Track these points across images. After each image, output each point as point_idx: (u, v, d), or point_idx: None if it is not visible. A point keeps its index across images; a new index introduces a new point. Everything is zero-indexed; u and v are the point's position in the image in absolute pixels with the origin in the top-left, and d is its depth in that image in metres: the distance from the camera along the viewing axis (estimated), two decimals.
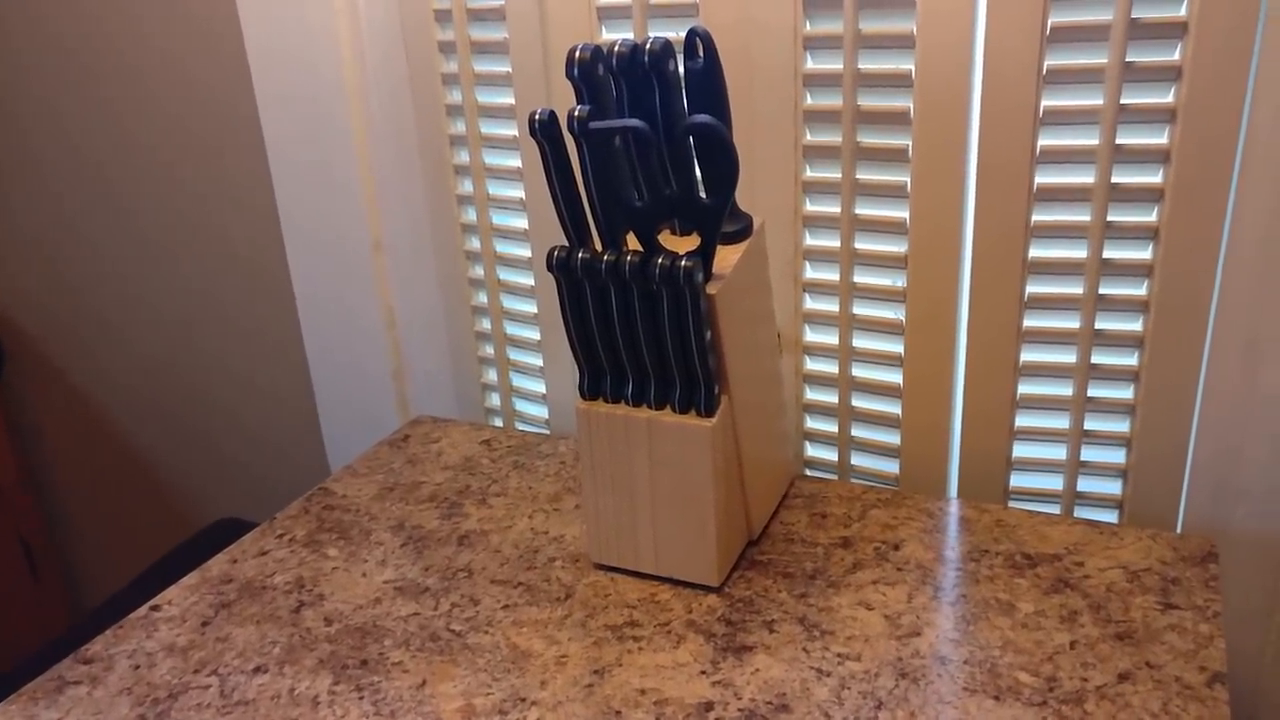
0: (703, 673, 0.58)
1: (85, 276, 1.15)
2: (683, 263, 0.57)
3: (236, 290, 1.07)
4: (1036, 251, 0.69)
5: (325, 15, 0.85)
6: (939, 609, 0.62)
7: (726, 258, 0.62)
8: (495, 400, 0.96)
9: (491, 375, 0.95)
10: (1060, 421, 0.73)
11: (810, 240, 0.76)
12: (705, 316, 0.59)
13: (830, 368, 0.79)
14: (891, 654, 0.59)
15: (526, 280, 0.89)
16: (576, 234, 0.61)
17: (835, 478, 0.81)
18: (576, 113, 0.56)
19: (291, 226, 0.97)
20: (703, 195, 0.59)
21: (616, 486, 0.65)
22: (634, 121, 0.56)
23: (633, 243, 0.61)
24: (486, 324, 0.93)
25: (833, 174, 0.73)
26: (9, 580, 1.26)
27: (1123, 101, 0.63)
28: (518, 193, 0.86)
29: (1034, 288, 0.70)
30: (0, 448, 1.24)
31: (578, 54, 0.58)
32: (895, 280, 0.74)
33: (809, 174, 0.74)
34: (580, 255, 0.59)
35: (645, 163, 0.59)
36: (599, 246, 0.60)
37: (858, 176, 0.72)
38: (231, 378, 1.11)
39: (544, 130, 0.57)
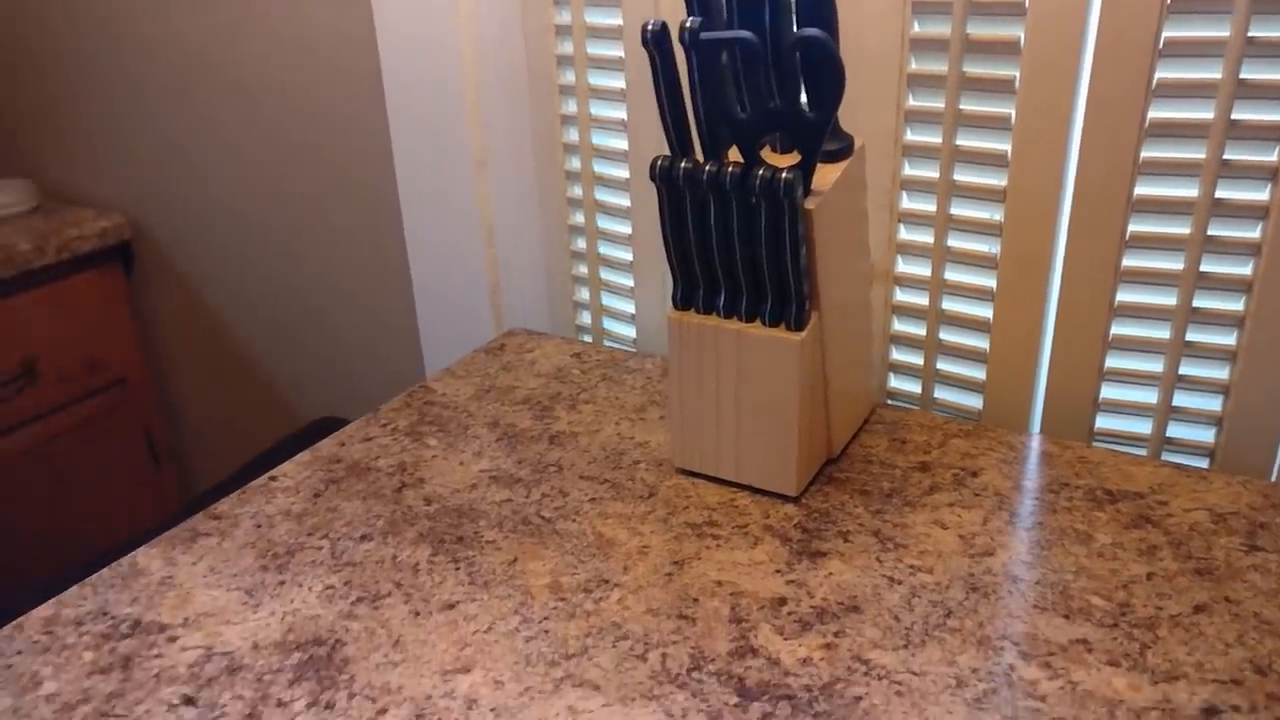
0: (777, 571, 0.61)
1: (208, 189, 1.22)
2: (783, 175, 0.59)
3: (347, 204, 1.12)
4: (1143, 189, 0.68)
5: None
6: (1014, 533, 0.63)
7: (825, 176, 0.64)
8: (585, 318, 0.99)
9: (584, 294, 0.98)
10: (1154, 365, 0.73)
11: (909, 170, 0.76)
12: (801, 231, 0.61)
13: (920, 300, 0.80)
14: (963, 570, 0.60)
15: (623, 202, 0.91)
16: (680, 146, 0.63)
17: (917, 409, 0.82)
18: (688, 24, 0.58)
19: (401, 143, 1.01)
20: (806, 110, 0.60)
21: (703, 395, 0.68)
22: (744, 33, 0.58)
23: (734, 157, 0.63)
24: (582, 244, 0.96)
25: (936, 103, 0.73)
26: (133, 464, 1.36)
27: (1250, 34, 0.62)
28: (620, 114, 0.88)
29: (1137, 226, 0.69)
30: (130, 344, 1.33)
31: None
32: (992, 214, 0.74)
33: (911, 103, 0.74)
34: (682, 165, 0.61)
35: (751, 75, 0.60)
36: (701, 158, 0.62)
37: (961, 107, 0.72)
38: (338, 286, 1.17)
39: (655, 41, 0.59)
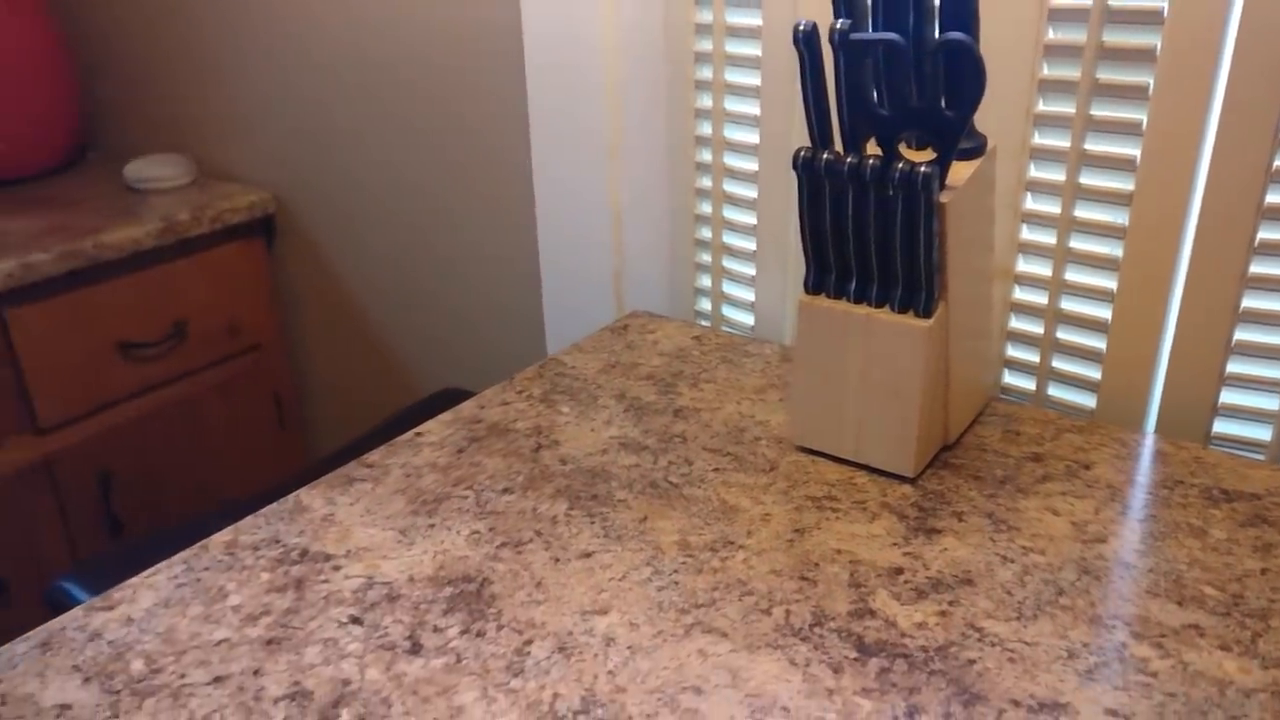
0: (894, 544, 0.64)
1: (349, 168, 1.30)
2: (921, 169, 0.62)
3: (481, 185, 1.18)
4: (1275, 197, 0.69)
5: None
6: (1126, 523, 0.66)
7: (959, 172, 0.67)
8: (705, 304, 1.04)
9: (704, 280, 1.03)
10: (1276, 371, 0.74)
11: (1035, 172, 0.79)
12: (935, 224, 0.64)
13: (1039, 298, 0.82)
14: (1075, 553, 0.63)
15: (750, 193, 0.95)
16: (821, 139, 0.66)
17: (1030, 405, 0.84)
18: (838, 25, 0.62)
19: (539, 129, 1.07)
20: (945, 110, 0.63)
21: (827, 377, 0.71)
22: (891, 35, 0.61)
23: (871, 150, 0.66)
24: (706, 232, 1.00)
25: (1066, 108, 0.75)
26: (261, 426, 1.46)
27: None
28: (753, 109, 0.92)
29: (1266, 234, 0.71)
30: (267, 312, 1.43)
31: None
32: (1117, 217, 0.76)
33: (1041, 107, 0.77)
34: (824, 156, 0.65)
35: (893, 75, 0.64)
36: (841, 151, 0.66)
37: (1092, 112, 0.74)
38: (467, 264, 1.24)
39: (806, 40, 0.63)
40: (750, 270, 0.98)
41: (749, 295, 0.99)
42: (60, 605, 0.85)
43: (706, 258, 1.01)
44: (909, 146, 0.70)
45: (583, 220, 1.07)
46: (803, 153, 0.66)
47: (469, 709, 0.52)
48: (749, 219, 0.96)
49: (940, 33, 0.66)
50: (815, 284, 0.70)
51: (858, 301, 0.69)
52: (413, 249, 1.29)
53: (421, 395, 1.38)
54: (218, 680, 0.55)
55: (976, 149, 0.68)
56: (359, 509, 0.70)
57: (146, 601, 0.61)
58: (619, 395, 0.85)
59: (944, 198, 0.64)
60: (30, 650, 0.57)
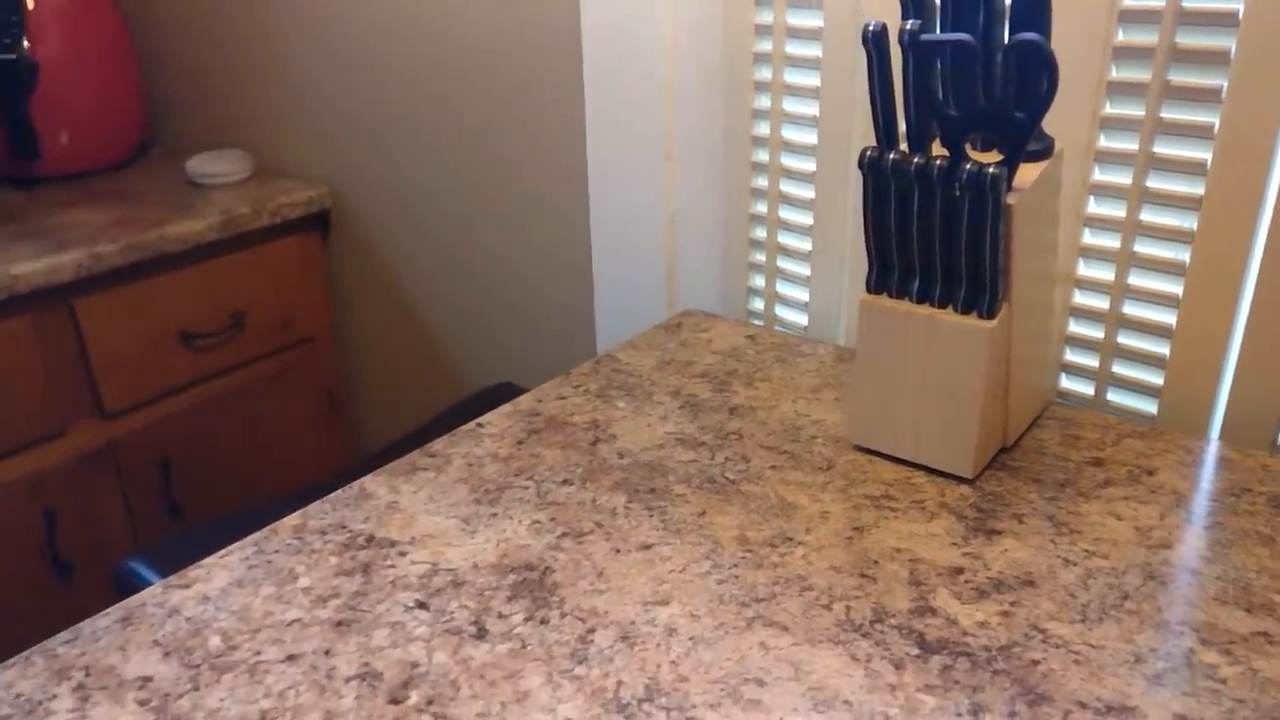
0: (953, 544, 0.64)
1: (403, 164, 1.32)
2: (990, 170, 0.62)
3: (535, 181, 1.20)
4: None
5: None
6: (1192, 530, 0.65)
7: (1025, 174, 0.66)
8: (758, 304, 1.04)
9: (758, 280, 1.03)
10: None
11: (1099, 175, 0.78)
12: (1002, 225, 0.64)
13: (1100, 303, 0.81)
14: (1140, 558, 0.62)
15: (807, 193, 0.96)
16: (886, 139, 0.67)
17: (1089, 409, 0.84)
18: (908, 26, 0.62)
19: (595, 130, 1.08)
20: (1015, 111, 0.63)
21: (887, 376, 0.72)
22: (963, 36, 0.61)
23: (937, 151, 0.66)
24: (761, 233, 1.01)
25: (1134, 111, 0.75)
26: (312, 419, 1.48)
27: None
28: (811, 110, 0.93)
29: None
30: (321, 304, 1.46)
31: None
32: (1184, 221, 0.75)
33: (1108, 109, 0.76)
34: (891, 156, 0.65)
35: (964, 75, 0.64)
36: (907, 151, 0.66)
37: (1162, 115, 0.74)
38: (519, 261, 1.25)
39: (875, 40, 0.64)
40: (805, 270, 0.98)
41: (803, 295, 1.00)
42: (128, 584, 0.88)
43: (761, 258, 1.02)
44: (974, 148, 0.70)
45: (636, 218, 1.08)
46: (869, 152, 0.66)
47: (535, 694, 0.53)
48: (805, 219, 0.97)
49: (1010, 33, 0.66)
50: (877, 284, 0.71)
51: (920, 302, 0.69)
52: (465, 245, 1.30)
53: (469, 391, 1.40)
54: (291, 659, 0.56)
55: (1044, 151, 0.68)
56: (422, 497, 0.71)
57: (221, 581, 0.63)
58: (674, 392, 0.85)
59: (1011, 199, 0.64)
60: (112, 625, 0.59)
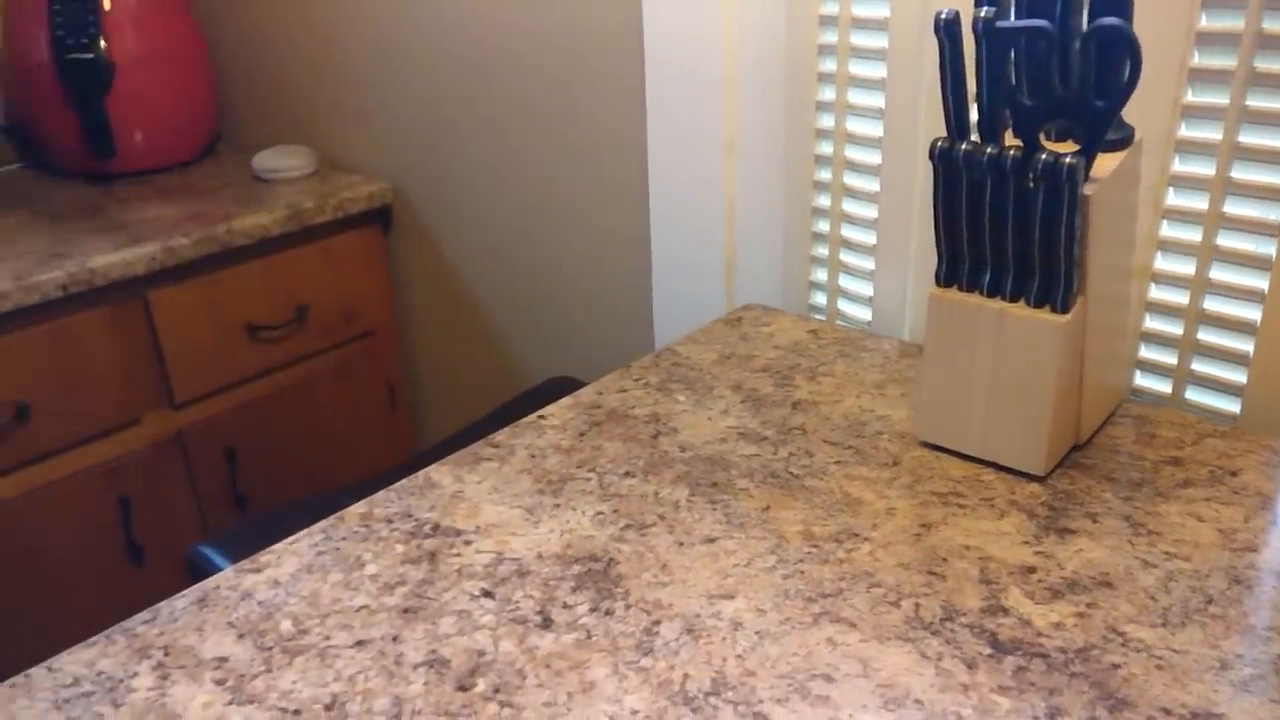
0: (1025, 543, 0.63)
1: (464, 160, 1.33)
2: (1066, 160, 0.60)
3: (595, 175, 1.20)
4: None
5: None
6: (1279, 533, 0.63)
7: (1103, 165, 0.65)
8: (819, 298, 1.03)
9: (820, 274, 1.02)
10: None
11: (1179, 166, 0.76)
12: (1078, 217, 0.62)
13: (1179, 298, 0.79)
14: (1224, 561, 0.60)
15: (871, 186, 0.94)
16: (958, 129, 0.65)
17: (1166, 407, 0.81)
18: (982, 13, 0.61)
19: (656, 122, 1.07)
20: (1094, 99, 0.62)
21: (955, 371, 0.70)
22: (1041, 22, 0.60)
23: (1008, 141, 0.65)
24: (824, 226, 1.00)
25: (1218, 99, 0.72)
26: (373, 410, 1.51)
27: None
28: (877, 101, 0.91)
29: None
30: (382, 297, 1.48)
31: None
32: (1270, 213, 0.73)
33: (1190, 98, 0.74)
34: (963, 147, 0.64)
35: (1042, 64, 0.62)
36: (979, 141, 0.65)
37: (1248, 103, 0.71)
38: (577, 255, 1.26)
39: (947, 29, 0.62)
40: (868, 264, 0.97)
41: (866, 290, 0.98)
42: (199, 569, 0.90)
43: (823, 251, 1.01)
44: (1048, 138, 0.68)
45: (696, 212, 1.07)
46: (939, 143, 0.65)
47: (601, 685, 0.53)
48: (868, 212, 0.95)
49: (1089, 18, 0.64)
50: (947, 276, 0.69)
51: (991, 295, 0.68)
52: (524, 239, 1.31)
53: (528, 384, 1.41)
54: (360, 644, 0.57)
55: (1122, 140, 0.66)
56: (486, 487, 0.72)
57: (290, 566, 0.64)
58: (735, 386, 0.85)
59: (1088, 190, 0.62)
60: (188, 606, 0.61)
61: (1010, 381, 0.68)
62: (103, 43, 1.36)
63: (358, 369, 1.47)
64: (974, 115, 0.68)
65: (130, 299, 1.21)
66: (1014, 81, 0.63)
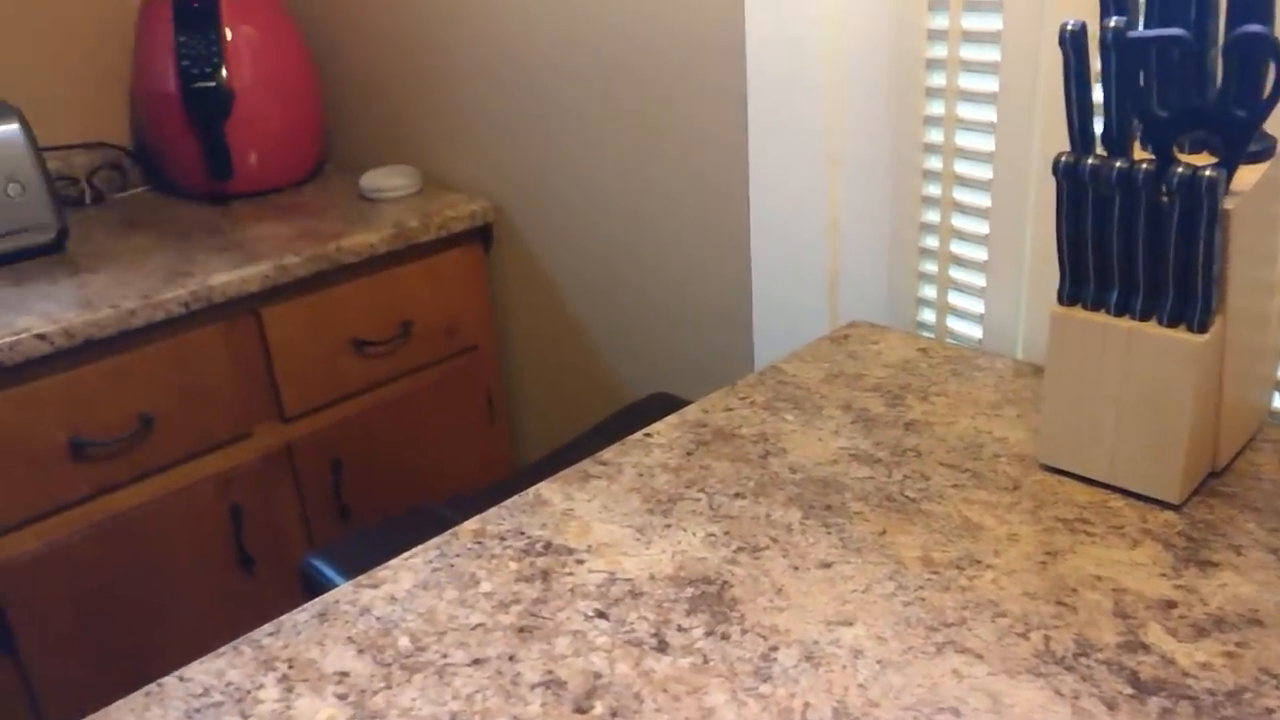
0: (1162, 575, 0.60)
1: (564, 177, 1.35)
2: (1205, 173, 0.58)
3: (695, 193, 1.20)
4: None
5: None
6: None
7: (1244, 177, 0.62)
8: (927, 315, 1.01)
9: (928, 291, 1.00)
10: None
11: None
12: (1218, 232, 0.59)
13: None
14: None
15: (982, 201, 0.92)
16: (1083, 142, 0.63)
17: None
18: (1113, 23, 0.58)
19: (758, 138, 1.07)
20: (1235, 109, 0.59)
21: (1081, 393, 0.68)
22: (1177, 31, 0.57)
23: (1136, 154, 0.62)
24: (932, 241, 0.97)
25: None
26: (473, 423, 1.53)
27: None
28: (988, 115, 0.89)
29: None
30: (484, 312, 1.50)
31: None
32: None
33: None
34: (1090, 161, 0.62)
35: (1172, 73, 0.60)
36: (1105, 155, 0.62)
37: None
38: (678, 271, 1.26)
39: (1073, 40, 0.60)
40: (979, 280, 0.95)
41: (977, 307, 0.96)
42: (312, 580, 0.92)
43: (931, 267, 0.98)
44: (1181, 149, 0.65)
45: (798, 228, 1.06)
46: (1064, 158, 0.63)
47: (720, 711, 0.53)
48: (979, 228, 0.93)
49: (1228, 25, 0.61)
50: (1070, 295, 0.67)
51: (1119, 314, 0.65)
52: (623, 254, 1.32)
53: (626, 400, 1.41)
54: (477, 663, 0.58)
55: (1264, 152, 0.63)
56: (596, 505, 0.72)
57: (407, 582, 0.65)
58: (845, 406, 0.83)
59: (1229, 204, 0.59)
60: (309, 620, 0.62)
61: (1141, 404, 0.65)
62: (224, 72, 1.42)
63: (458, 383, 1.50)
64: (1098, 128, 0.65)
65: (245, 315, 1.26)
66: (1146, 92, 0.61)
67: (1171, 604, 0.57)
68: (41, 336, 1.08)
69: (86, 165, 1.57)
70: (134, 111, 1.62)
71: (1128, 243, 0.63)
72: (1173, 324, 0.63)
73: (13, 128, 1.28)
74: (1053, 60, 0.81)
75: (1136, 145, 0.63)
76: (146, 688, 0.57)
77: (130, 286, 1.18)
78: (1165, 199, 0.60)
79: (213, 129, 1.43)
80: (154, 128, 1.50)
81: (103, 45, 1.57)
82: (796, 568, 0.64)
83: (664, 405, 1.17)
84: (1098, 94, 0.62)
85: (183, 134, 1.46)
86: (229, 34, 1.43)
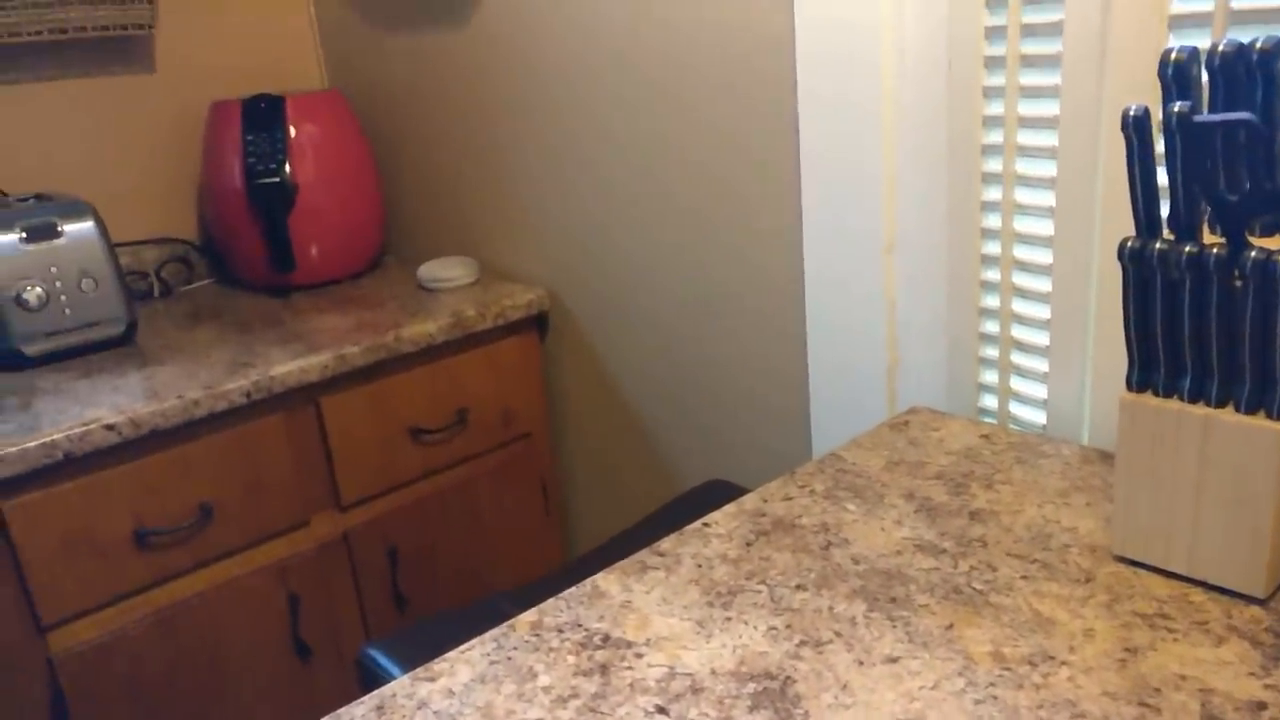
0: (1251, 674, 0.57)
1: (619, 266, 1.37)
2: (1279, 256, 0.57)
3: (750, 282, 1.20)
4: None
5: (871, 12, 0.94)
6: None
7: None
8: (988, 401, 0.99)
9: (989, 376, 0.98)
10: None
11: None
12: None
13: None
14: None
15: (1043, 285, 0.91)
16: (1149, 227, 0.63)
17: None
18: (1177, 108, 0.59)
19: (813, 226, 1.08)
20: None
21: (1156, 482, 0.66)
22: (1245, 115, 0.57)
23: (1206, 238, 0.61)
24: (992, 326, 0.97)
25: None
26: (528, 512, 1.53)
27: None
28: (1047, 200, 0.89)
29: None
30: (538, 401, 1.51)
31: (1173, 55, 0.60)
32: None
33: None
34: (1156, 246, 0.61)
35: (1247, 156, 0.59)
36: (1172, 239, 0.62)
37: None
38: (732, 360, 1.26)
39: (1136, 125, 0.60)
40: (1041, 365, 0.93)
41: (1040, 392, 0.94)
42: (368, 670, 0.92)
43: (992, 352, 0.97)
44: (1252, 233, 0.64)
45: (855, 313, 1.06)
46: (1130, 243, 0.62)
47: None
48: (1040, 312, 0.92)
49: None
50: (1140, 381, 0.65)
51: (1193, 400, 0.63)
52: (677, 341, 1.32)
53: (680, 486, 1.40)
54: None
55: None
56: (655, 597, 0.71)
57: (464, 676, 0.64)
58: (907, 494, 0.81)
59: None
60: (367, 713, 0.61)
61: (1221, 494, 0.63)
62: (287, 168, 1.48)
63: (514, 471, 1.50)
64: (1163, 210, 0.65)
65: (304, 404, 1.28)
66: (1214, 175, 0.60)
67: (1262, 705, 0.54)
68: (110, 427, 1.11)
69: (155, 259, 1.63)
70: (201, 207, 1.69)
71: (1199, 328, 0.62)
72: (1251, 411, 0.61)
73: (88, 225, 1.33)
74: (1111, 145, 0.81)
75: (1204, 228, 0.62)
76: None
77: (195, 378, 1.21)
78: (1238, 283, 0.59)
79: (276, 223, 1.48)
80: (220, 222, 1.56)
81: (173, 144, 1.65)
82: (861, 662, 0.62)
83: (721, 493, 1.15)
84: (1161, 177, 0.62)
85: (247, 228, 1.51)
86: (293, 131, 1.49)
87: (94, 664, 1.15)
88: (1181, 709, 0.55)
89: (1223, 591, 0.64)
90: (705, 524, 0.80)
